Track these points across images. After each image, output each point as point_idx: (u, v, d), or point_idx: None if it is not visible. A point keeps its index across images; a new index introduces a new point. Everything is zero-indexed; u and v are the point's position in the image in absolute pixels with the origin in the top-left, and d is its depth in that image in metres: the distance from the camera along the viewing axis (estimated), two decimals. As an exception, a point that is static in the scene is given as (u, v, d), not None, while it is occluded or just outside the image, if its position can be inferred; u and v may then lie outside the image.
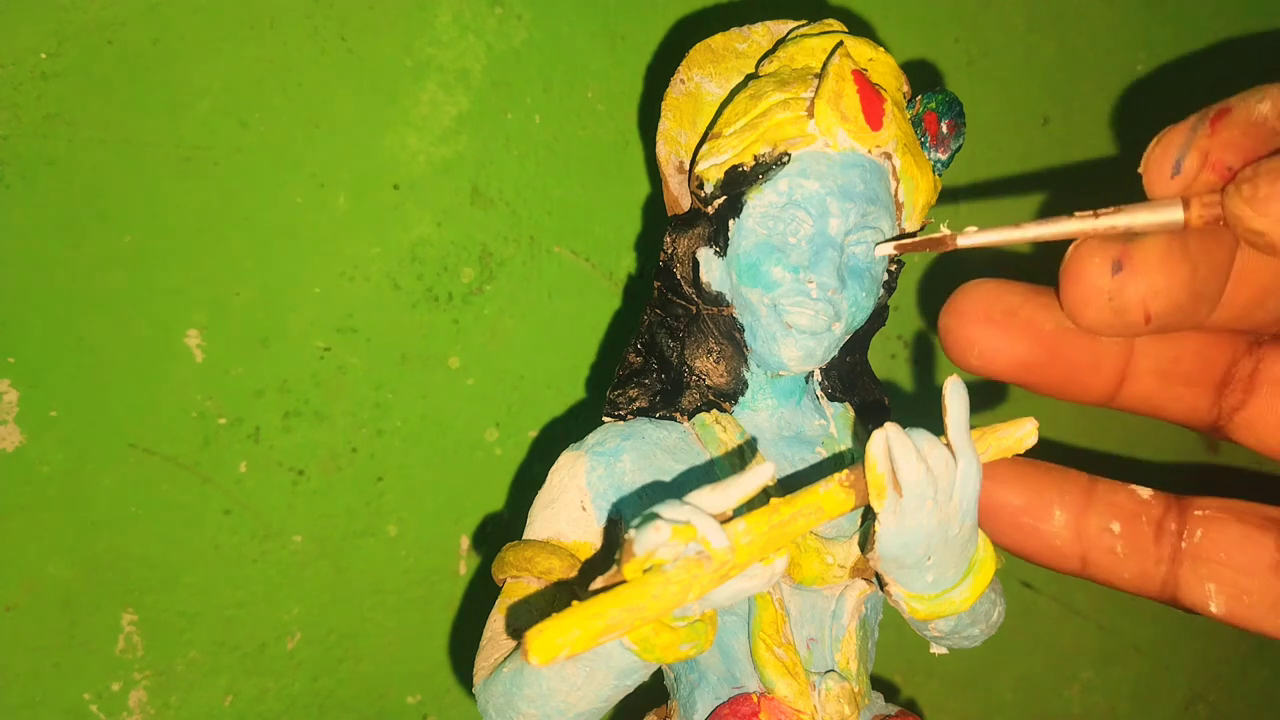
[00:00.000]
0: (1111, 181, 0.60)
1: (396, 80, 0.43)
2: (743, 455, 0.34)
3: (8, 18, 0.37)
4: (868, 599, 0.35)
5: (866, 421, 0.38)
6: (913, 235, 0.35)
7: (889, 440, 0.29)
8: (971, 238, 0.31)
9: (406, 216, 0.44)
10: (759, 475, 0.27)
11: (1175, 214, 0.28)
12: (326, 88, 0.42)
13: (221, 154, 0.41)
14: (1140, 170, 0.30)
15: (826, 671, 0.34)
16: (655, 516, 0.26)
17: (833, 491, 0.28)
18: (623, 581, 0.26)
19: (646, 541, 0.26)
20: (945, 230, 0.32)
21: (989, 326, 0.33)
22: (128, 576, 0.41)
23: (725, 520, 0.27)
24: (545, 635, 0.24)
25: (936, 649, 0.36)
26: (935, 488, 0.30)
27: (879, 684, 0.39)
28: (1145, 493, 0.35)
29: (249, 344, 0.42)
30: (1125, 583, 0.35)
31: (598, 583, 0.27)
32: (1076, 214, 0.29)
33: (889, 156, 0.34)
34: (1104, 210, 0.29)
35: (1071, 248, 0.31)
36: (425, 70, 0.44)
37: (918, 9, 0.54)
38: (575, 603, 0.25)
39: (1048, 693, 0.63)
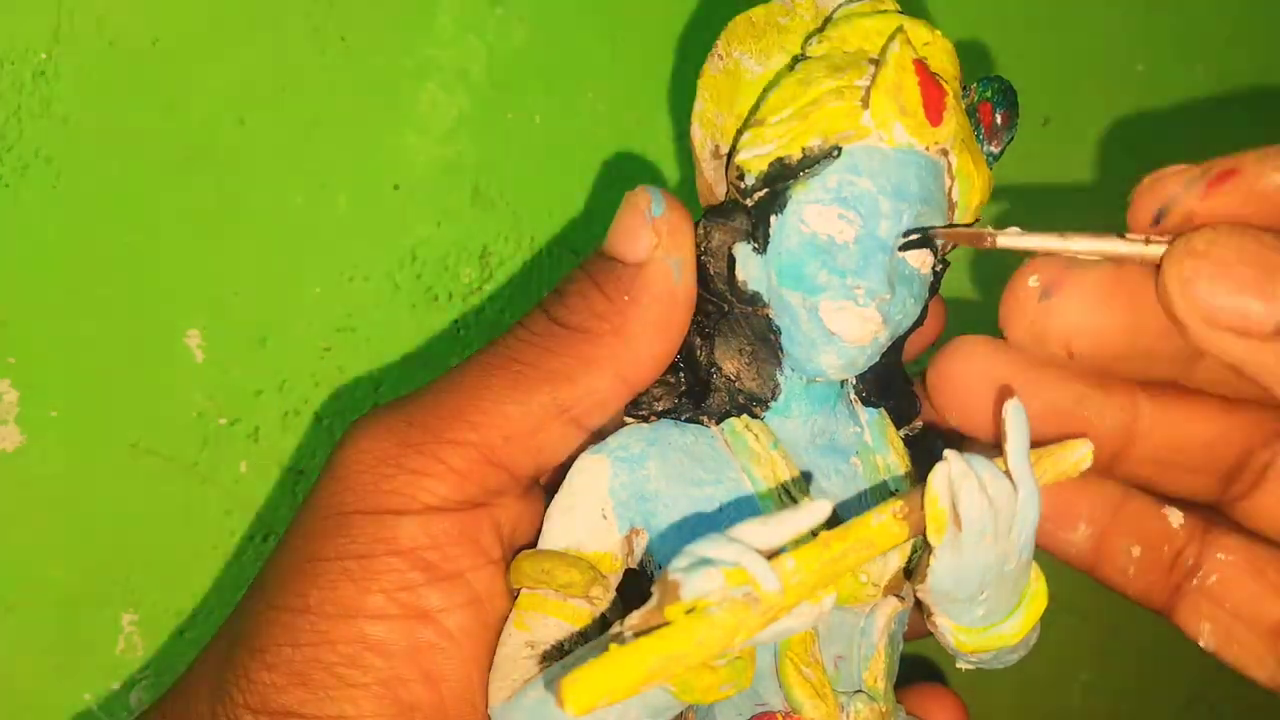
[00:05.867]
0: (1112, 182, 0.60)
1: (396, 80, 0.43)
2: (790, 487, 0.32)
3: (8, 18, 0.37)
4: (897, 615, 0.34)
5: (900, 427, 0.36)
6: (952, 226, 0.32)
7: (951, 472, 0.28)
8: (1012, 239, 0.29)
9: (406, 216, 0.44)
10: (813, 515, 0.26)
11: None
12: (326, 88, 0.42)
13: (221, 154, 0.41)
14: (1128, 200, 0.28)
15: (855, 692, 0.32)
16: (705, 560, 0.25)
17: (886, 524, 0.27)
18: (663, 623, 0.25)
19: (696, 588, 0.24)
20: (991, 228, 0.30)
21: (976, 396, 0.31)
22: (128, 576, 0.41)
23: (772, 555, 0.26)
24: (582, 684, 0.23)
25: (964, 665, 0.35)
26: (996, 522, 0.28)
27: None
28: (1176, 520, 0.33)
29: (249, 344, 0.42)
30: (1124, 593, 0.34)
31: (634, 619, 0.26)
32: (1127, 235, 0.27)
33: (946, 153, 0.32)
34: (1156, 237, 0.26)
35: (1025, 260, 0.29)
36: (425, 70, 0.44)
37: (917, 9, 0.54)
38: (613, 646, 0.24)
39: (1048, 693, 0.63)
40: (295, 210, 0.42)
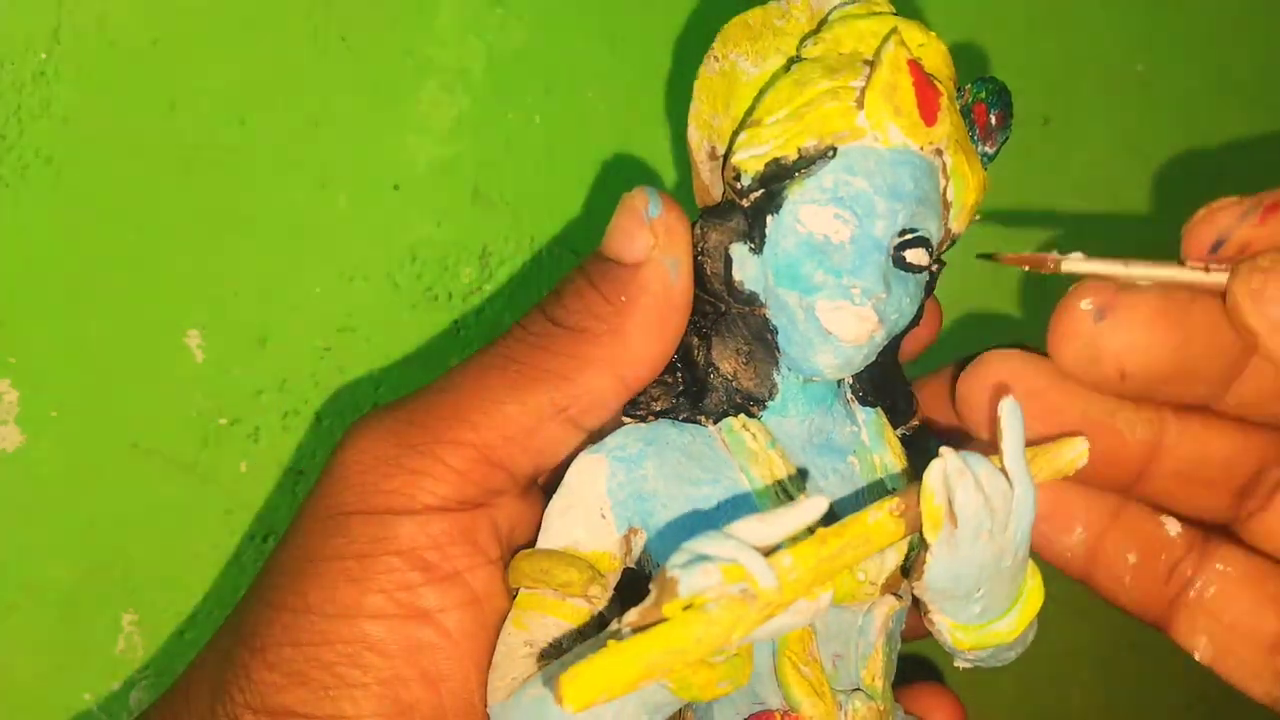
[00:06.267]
0: (1112, 182, 0.60)
1: (396, 80, 0.43)
2: (788, 486, 0.32)
3: (8, 18, 0.38)
4: (894, 614, 0.34)
5: (897, 426, 0.36)
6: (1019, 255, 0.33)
7: (947, 469, 0.28)
8: (1075, 264, 0.30)
9: (406, 216, 0.44)
10: (810, 511, 0.26)
11: None
12: (326, 88, 0.42)
13: (221, 154, 0.41)
14: (1182, 232, 0.29)
15: (853, 690, 0.32)
16: (702, 556, 0.25)
17: (882, 521, 0.27)
18: (660, 620, 0.25)
19: (693, 585, 0.24)
20: (1055, 254, 0.31)
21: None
22: (128, 576, 0.41)
23: (769, 552, 0.26)
24: (580, 680, 0.23)
25: (961, 664, 0.35)
26: (992, 519, 0.28)
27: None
28: (1174, 529, 0.33)
29: (249, 344, 0.42)
30: (1119, 602, 0.34)
31: (632, 616, 0.26)
32: (1189, 262, 0.28)
33: (940, 153, 0.32)
34: (1215, 265, 0.28)
35: (1073, 284, 0.30)
36: (425, 70, 0.44)
37: (914, 10, 0.54)
38: (611, 643, 0.24)
39: (1048, 693, 0.63)
40: (295, 210, 0.42)
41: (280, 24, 0.41)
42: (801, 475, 0.33)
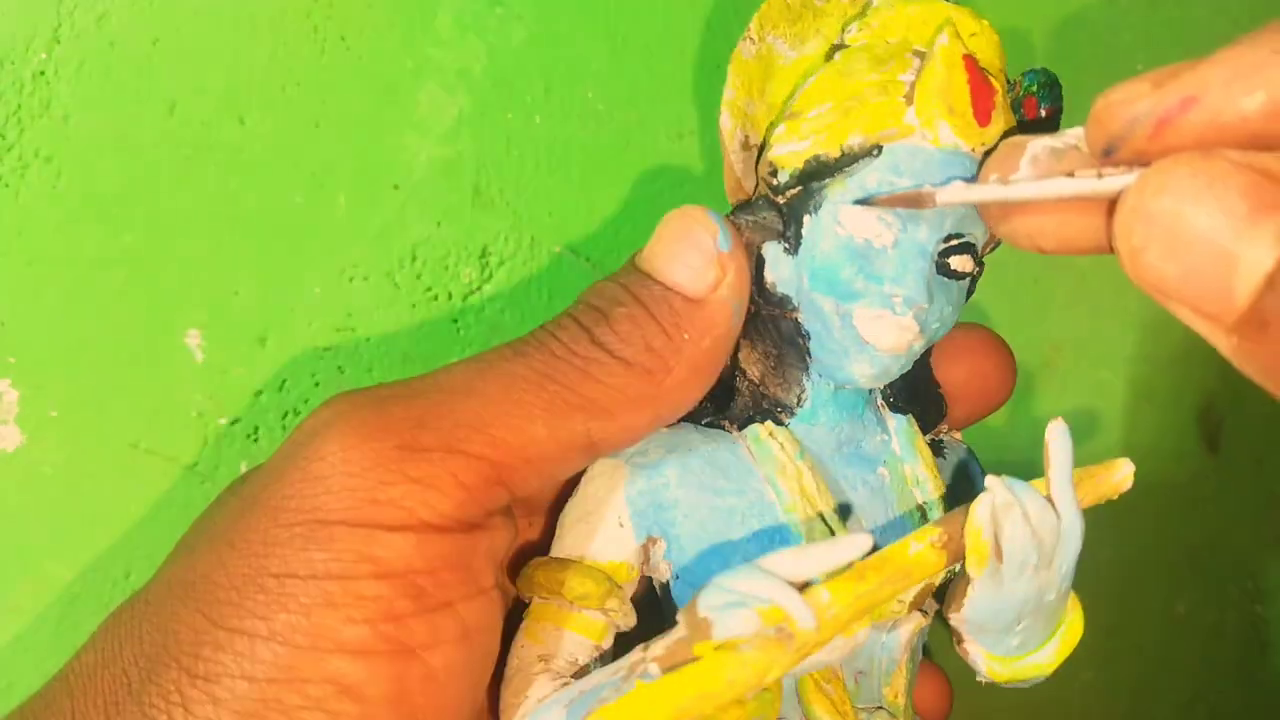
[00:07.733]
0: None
1: (396, 80, 0.43)
2: (816, 500, 0.31)
3: (8, 18, 0.38)
4: (920, 630, 0.33)
5: (926, 431, 0.35)
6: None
7: (995, 503, 0.27)
8: (955, 194, 0.27)
9: (406, 216, 0.44)
10: (853, 549, 0.25)
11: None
12: (326, 88, 0.42)
13: (221, 154, 0.41)
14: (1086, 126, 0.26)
15: (875, 709, 0.32)
16: (738, 598, 0.24)
17: (923, 554, 0.26)
18: (691, 659, 0.24)
19: (730, 629, 0.24)
20: (929, 187, 0.28)
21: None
22: (128, 576, 0.41)
23: (804, 585, 0.25)
24: None
25: (983, 679, 0.34)
26: (1038, 554, 0.27)
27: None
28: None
29: (249, 344, 0.42)
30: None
31: (659, 651, 0.25)
32: (1077, 173, 0.25)
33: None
34: (1109, 170, 0.25)
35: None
36: (425, 70, 0.44)
37: None
38: (640, 683, 0.24)
39: (1048, 693, 0.63)
40: (295, 210, 0.42)
41: (280, 24, 0.41)
42: (832, 489, 0.32)
